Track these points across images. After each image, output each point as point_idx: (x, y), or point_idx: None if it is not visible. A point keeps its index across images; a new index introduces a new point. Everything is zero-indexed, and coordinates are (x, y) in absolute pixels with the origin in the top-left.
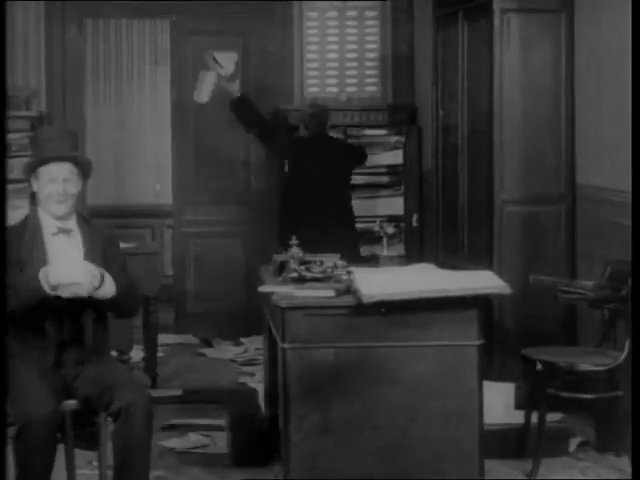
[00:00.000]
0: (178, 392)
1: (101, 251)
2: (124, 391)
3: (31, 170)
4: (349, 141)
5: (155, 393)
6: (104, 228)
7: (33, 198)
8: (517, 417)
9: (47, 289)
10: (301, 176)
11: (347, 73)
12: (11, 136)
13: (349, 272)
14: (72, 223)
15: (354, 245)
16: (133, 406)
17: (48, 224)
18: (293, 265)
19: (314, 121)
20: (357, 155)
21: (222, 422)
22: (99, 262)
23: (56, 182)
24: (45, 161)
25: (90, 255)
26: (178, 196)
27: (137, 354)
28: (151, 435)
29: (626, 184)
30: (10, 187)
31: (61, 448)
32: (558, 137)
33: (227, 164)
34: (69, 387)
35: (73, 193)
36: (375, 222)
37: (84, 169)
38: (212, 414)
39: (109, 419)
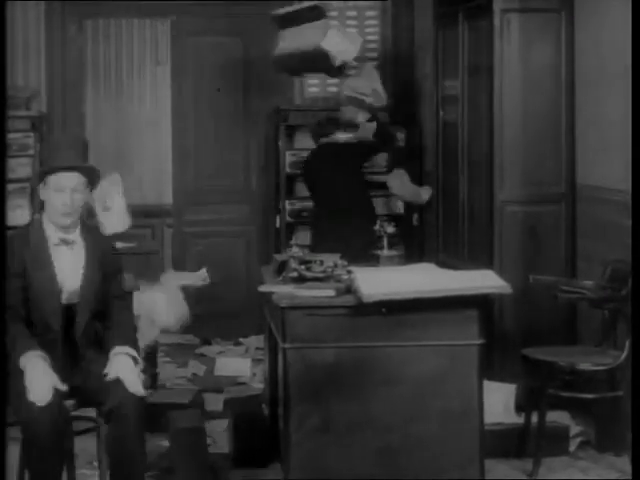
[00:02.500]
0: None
1: (100, 263)
2: (115, 391)
3: (40, 179)
4: (361, 134)
5: (157, 398)
6: (105, 238)
7: (36, 202)
8: (517, 417)
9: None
10: (318, 191)
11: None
12: (11, 136)
13: (349, 272)
14: (75, 234)
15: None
16: (124, 407)
17: (52, 234)
18: (293, 265)
19: (316, 132)
20: (364, 152)
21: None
22: (98, 274)
23: (64, 192)
24: (53, 170)
25: (90, 269)
26: (178, 196)
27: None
28: (143, 434)
29: (626, 184)
30: (10, 187)
31: None
32: (558, 137)
33: (227, 164)
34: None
35: (80, 205)
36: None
37: (92, 179)
38: (213, 415)
39: (102, 420)
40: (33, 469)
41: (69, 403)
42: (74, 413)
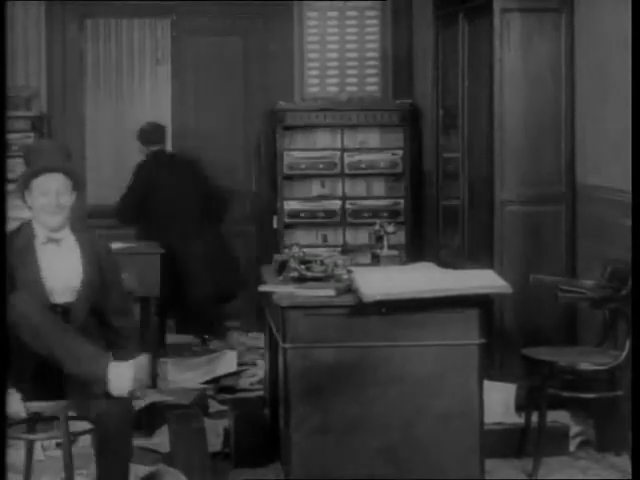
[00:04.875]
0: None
1: (97, 260)
2: (100, 400)
3: (24, 184)
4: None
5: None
6: (98, 238)
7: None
8: (517, 417)
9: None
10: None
11: (347, 73)
12: (11, 136)
13: (350, 271)
14: (64, 233)
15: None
16: (108, 416)
17: (40, 234)
18: (293, 264)
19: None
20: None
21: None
22: (96, 271)
23: (49, 194)
24: (37, 173)
25: (87, 264)
26: None
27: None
28: (128, 444)
29: (626, 184)
30: (10, 187)
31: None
32: (558, 136)
33: (227, 164)
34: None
35: (66, 205)
36: (376, 222)
37: (76, 181)
38: (214, 415)
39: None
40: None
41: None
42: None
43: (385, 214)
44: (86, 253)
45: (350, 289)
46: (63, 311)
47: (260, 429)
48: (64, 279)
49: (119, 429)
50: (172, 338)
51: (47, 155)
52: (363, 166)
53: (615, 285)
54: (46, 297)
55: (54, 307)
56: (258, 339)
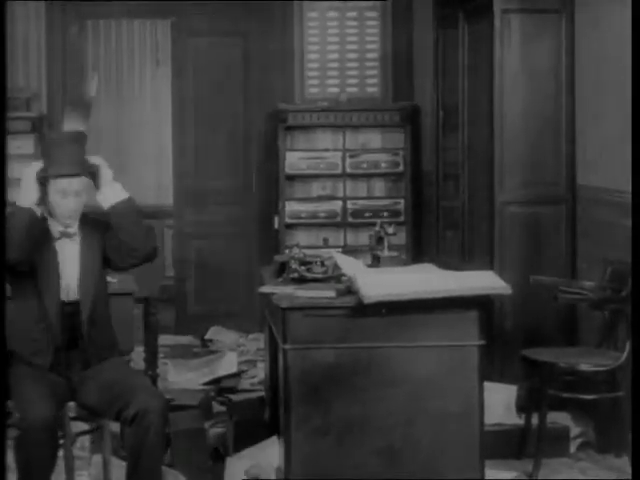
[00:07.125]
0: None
1: (100, 243)
2: (139, 397)
3: (41, 180)
4: None
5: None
6: (99, 221)
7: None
8: (517, 418)
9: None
10: None
11: (347, 73)
12: (12, 137)
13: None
14: (75, 227)
15: None
16: (149, 412)
17: (54, 227)
18: (294, 265)
19: None
20: None
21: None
22: (99, 260)
23: (67, 196)
24: (55, 176)
25: (85, 261)
26: (179, 196)
27: (138, 355)
28: (164, 439)
29: (626, 184)
30: None
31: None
32: (558, 137)
33: (227, 164)
34: (74, 390)
35: (83, 204)
36: (376, 223)
37: (95, 176)
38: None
39: (121, 423)
40: (23, 475)
41: (73, 407)
42: (72, 414)
43: (386, 214)
44: (87, 246)
45: (350, 290)
46: (72, 311)
47: (260, 430)
48: (74, 275)
49: (159, 425)
50: (172, 339)
51: (65, 150)
52: (364, 166)
53: (615, 286)
54: (59, 293)
55: (66, 306)
56: (258, 340)
